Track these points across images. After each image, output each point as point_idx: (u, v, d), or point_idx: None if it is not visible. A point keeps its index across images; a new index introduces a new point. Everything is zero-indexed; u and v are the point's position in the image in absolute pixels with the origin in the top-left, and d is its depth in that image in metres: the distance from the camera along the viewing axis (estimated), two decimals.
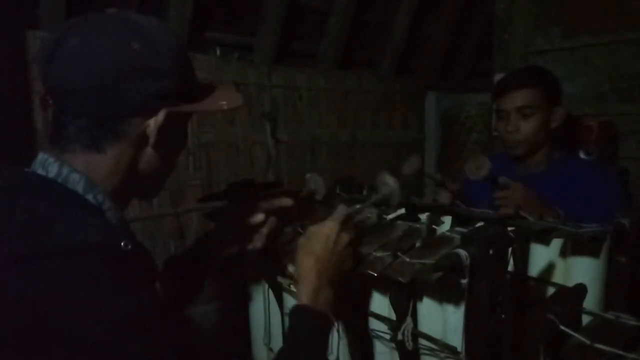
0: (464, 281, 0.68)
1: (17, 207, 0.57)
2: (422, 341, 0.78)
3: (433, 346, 0.76)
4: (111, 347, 0.52)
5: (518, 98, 1.32)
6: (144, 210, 1.90)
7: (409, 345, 0.77)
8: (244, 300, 1.16)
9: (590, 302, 0.77)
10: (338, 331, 0.76)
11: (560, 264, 0.88)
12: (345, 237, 0.78)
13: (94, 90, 0.62)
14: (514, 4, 2.23)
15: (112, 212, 0.66)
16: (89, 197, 0.64)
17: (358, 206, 0.89)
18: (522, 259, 0.80)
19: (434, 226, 0.92)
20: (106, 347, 0.52)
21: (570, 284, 0.77)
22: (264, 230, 0.95)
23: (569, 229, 0.83)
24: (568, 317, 0.64)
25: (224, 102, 0.75)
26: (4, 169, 0.64)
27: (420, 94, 3.08)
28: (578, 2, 2.08)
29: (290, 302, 1.00)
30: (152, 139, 0.67)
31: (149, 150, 0.69)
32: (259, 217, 0.93)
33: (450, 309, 0.75)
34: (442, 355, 0.75)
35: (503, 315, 0.70)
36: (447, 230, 0.88)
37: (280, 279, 1.00)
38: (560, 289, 0.78)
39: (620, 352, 0.59)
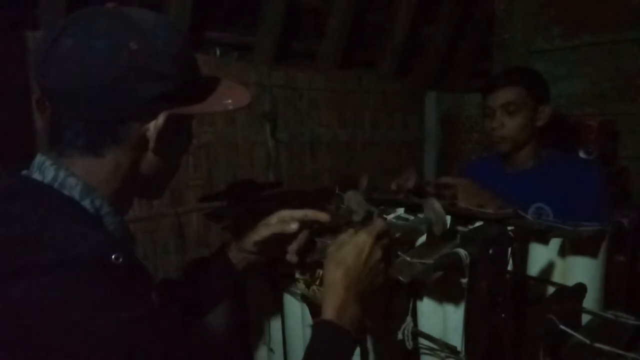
0: (464, 280, 0.68)
1: (8, 217, 0.56)
2: (422, 340, 0.79)
3: (433, 345, 0.76)
4: None
5: (503, 95, 1.36)
6: (144, 210, 1.90)
7: (409, 344, 0.77)
8: (244, 300, 1.16)
9: (590, 301, 0.77)
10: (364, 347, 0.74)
11: (559, 263, 0.88)
12: (379, 252, 0.74)
13: (91, 94, 0.59)
14: (514, 3, 2.23)
15: (111, 216, 0.64)
16: (86, 202, 0.62)
17: (394, 219, 0.86)
18: (522, 259, 0.80)
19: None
20: None
21: (570, 283, 0.77)
22: (298, 241, 0.88)
23: (568, 228, 0.83)
24: (568, 316, 0.64)
25: (230, 102, 0.70)
26: (0, 173, 0.62)
27: (420, 94, 3.09)
28: (578, 2, 2.08)
29: (290, 302, 1.01)
30: (152, 143, 0.65)
31: (149, 155, 0.66)
32: (293, 226, 0.85)
33: (450, 308, 0.75)
34: (442, 354, 0.75)
35: (503, 315, 0.70)
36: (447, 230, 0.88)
37: (281, 279, 1.00)
38: (560, 288, 0.79)
39: (620, 352, 0.59)
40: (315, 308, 0.93)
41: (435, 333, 0.77)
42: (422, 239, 0.88)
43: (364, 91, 2.74)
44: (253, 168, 2.27)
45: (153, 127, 0.64)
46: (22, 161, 0.66)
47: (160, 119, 0.64)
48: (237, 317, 1.18)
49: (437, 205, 0.83)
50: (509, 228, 0.75)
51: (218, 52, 2.18)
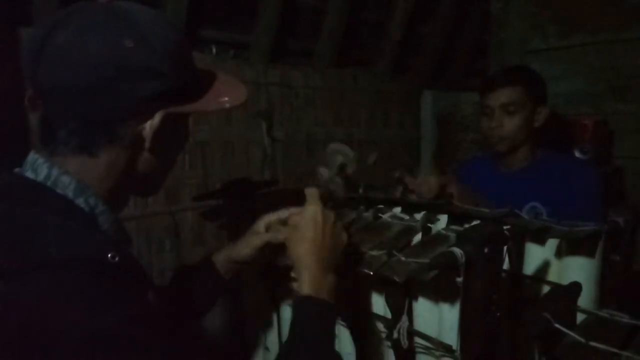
0: (460, 279, 0.68)
1: (1, 216, 0.55)
2: (418, 339, 0.78)
3: (428, 344, 0.76)
4: None
5: (503, 95, 1.35)
6: (139, 209, 1.89)
7: (405, 343, 0.77)
8: (240, 300, 1.15)
9: (585, 300, 0.78)
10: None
11: (555, 262, 0.89)
12: (331, 215, 0.75)
13: (84, 92, 0.58)
14: (510, 3, 2.24)
15: (106, 215, 0.63)
16: (80, 201, 0.60)
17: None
18: (517, 258, 0.80)
19: (429, 224, 0.92)
20: None
21: (565, 282, 0.77)
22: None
23: (564, 228, 0.83)
24: (563, 315, 0.64)
25: (226, 99, 0.69)
26: None
27: (417, 93, 3.09)
28: (573, 1, 2.09)
29: (286, 299, 1.00)
30: (148, 143, 0.64)
31: (145, 153, 0.65)
32: (282, 236, 0.84)
33: (445, 307, 0.75)
34: (438, 353, 0.75)
35: (498, 314, 0.70)
36: (443, 229, 0.88)
37: (276, 279, 0.99)
38: (555, 287, 0.79)
39: (615, 350, 0.59)
40: None
41: (431, 332, 0.77)
42: (418, 237, 0.88)
43: (360, 90, 2.74)
44: (249, 166, 2.26)
45: (149, 126, 0.63)
46: (16, 159, 0.66)
47: (157, 118, 0.62)
48: (233, 316, 1.18)
49: (342, 146, 0.86)
50: (505, 227, 0.75)
51: (214, 50, 2.17)
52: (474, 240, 0.68)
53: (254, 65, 2.25)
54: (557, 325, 0.62)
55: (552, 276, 0.88)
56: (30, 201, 0.58)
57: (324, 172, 1.09)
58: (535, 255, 0.89)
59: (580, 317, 0.73)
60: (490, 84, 1.39)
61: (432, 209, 0.96)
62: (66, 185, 0.60)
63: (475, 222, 0.84)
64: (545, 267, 0.89)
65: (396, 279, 0.71)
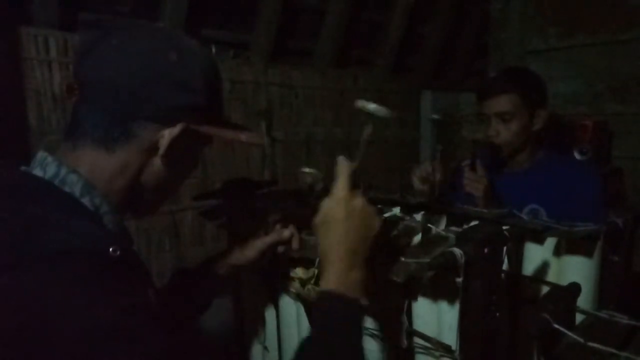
0: (459, 280, 0.68)
1: (7, 210, 0.56)
2: (417, 340, 0.79)
3: (428, 345, 0.76)
4: (95, 355, 0.51)
5: (498, 103, 1.33)
6: None
7: (404, 343, 0.77)
8: (239, 299, 1.15)
9: (584, 300, 0.78)
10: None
11: (554, 263, 0.89)
12: (359, 200, 0.68)
13: (120, 88, 0.62)
14: (510, 3, 2.24)
15: (110, 216, 0.65)
16: (85, 200, 0.62)
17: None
18: (517, 258, 0.80)
19: (429, 225, 0.92)
20: (90, 355, 0.50)
21: (564, 282, 0.77)
22: (295, 239, 0.91)
23: (563, 228, 0.83)
24: (562, 315, 0.64)
25: (244, 136, 0.75)
26: (1, 169, 0.63)
27: (416, 93, 3.09)
28: (573, 2, 2.09)
29: (285, 301, 1.00)
30: (162, 150, 0.66)
31: (156, 162, 0.67)
32: (287, 233, 0.89)
33: (445, 307, 0.75)
34: (437, 353, 0.75)
35: (497, 314, 0.70)
36: (442, 229, 0.88)
37: (276, 279, 0.99)
38: (554, 287, 0.79)
39: (614, 351, 0.60)
40: (310, 307, 0.93)
41: (430, 332, 0.77)
42: (418, 238, 0.88)
43: (360, 90, 2.74)
44: (249, 166, 2.26)
45: (168, 134, 0.65)
46: (15, 157, 0.66)
47: (177, 128, 0.65)
48: (232, 315, 1.18)
49: (368, 104, 0.82)
50: (504, 228, 0.76)
51: (214, 49, 2.18)
52: (473, 240, 0.68)
53: (254, 65, 2.25)
54: (556, 326, 0.62)
55: (552, 277, 0.88)
56: (36, 198, 0.59)
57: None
58: (534, 255, 0.89)
59: (579, 318, 0.73)
60: (485, 92, 1.37)
61: (432, 210, 0.97)
62: (74, 183, 0.62)
63: (474, 223, 0.85)
64: (544, 267, 0.89)
65: (396, 279, 0.71)
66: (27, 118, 1.62)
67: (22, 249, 0.52)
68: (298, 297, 0.95)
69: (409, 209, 0.98)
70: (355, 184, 0.70)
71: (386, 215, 0.96)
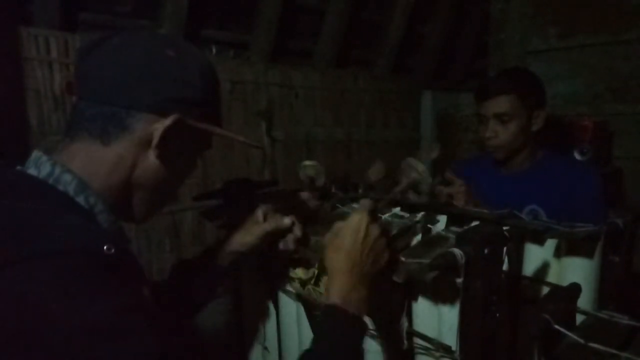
0: (459, 280, 0.68)
1: (0, 209, 0.56)
2: (417, 340, 0.79)
3: (428, 345, 0.76)
4: (89, 353, 0.51)
5: (495, 105, 1.33)
6: None
7: (404, 344, 0.77)
8: (239, 299, 1.15)
9: (584, 301, 0.78)
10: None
11: (554, 263, 0.89)
12: (376, 230, 0.73)
13: (118, 82, 0.64)
14: (510, 4, 2.24)
15: (105, 214, 0.65)
16: (80, 199, 0.63)
17: (389, 217, 0.87)
18: (517, 259, 0.80)
19: (429, 225, 0.92)
20: (84, 353, 0.50)
21: (565, 283, 0.77)
22: (294, 232, 0.91)
23: (564, 229, 0.83)
24: (562, 316, 0.64)
25: (242, 136, 0.79)
26: None
27: (416, 93, 3.09)
28: (573, 3, 2.09)
29: (285, 301, 1.00)
30: (155, 141, 0.66)
31: (150, 156, 0.67)
32: (287, 221, 0.89)
33: (445, 308, 0.75)
34: (437, 354, 0.75)
35: (498, 314, 0.70)
36: (443, 230, 0.88)
37: (276, 278, 0.99)
38: (555, 288, 0.79)
39: (614, 351, 0.60)
40: (310, 307, 0.93)
41: (430, 333, 0.77)
42: (418, 238, 0.88)
43: (360, 90, 2.74)
44: (249, 166, 2.26)
45: (160, 126, 0.66)
46: (15, 158, 0.66)
47: (170, 119, 0.66)
48: (232, 316, 1.18)
49: (417, 163, 0.84)
50: (505, 228, 0.76)
51: (214, 50, 2.18)
52: (473, 241, 0.68)
53: (254, 65, 2.26)
54: (556, 326, 0.62)
55: (552, 277, 0.88)
56: (30, 197, 0.59)
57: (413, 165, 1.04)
58: (534, 256, 0.89)
59: (579, 318, 0.73)
60: (483, 93, 1.36)
61: (432, 210, 0.97)
62: (68, 183, 0.62)
63: (475, 223, 0.85)
64: (544, 268, 0.89)
65: (396, 279, 0.71)
66: (27, 118, 1.62)
67: (15, 247, 0.52)
68: (298, 298, 0.95)
69: (409, 209, 0.98)
70: (374, 217, 0.74)
71: (387, 215, 0.96)
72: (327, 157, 2.61)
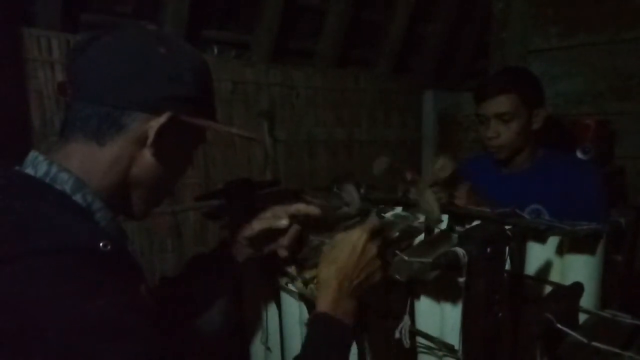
0: (462, 279, 0.68)
1: None
2: (420, 339, 0.79)
3: (430, 344, 0.76)
4: (85, 350, 0.51)
5: (496, 105, 1.32)
6: None
7: (407, 343, 0.77)
8: (241, 299, 1.15)
9: (587, 300, 0.78)
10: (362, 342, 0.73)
11: (557, 262, 0.88)
12: (373, 249, 0.75)
13: (111, 80, 0.64)
14: (511, 3, 2.24)
15: (103, 212, 0.65)
16: (77, 197, 0.63)
17: (391, 217, 0.87)
18: (519, 258, 0.80)
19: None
20: (81, 350, 0.50)
21: (567, 282, 0.77)
22: (288, 236, 0.92)
23: (566, 227, 0.83)
24: (565, 315, 0.64)
25: (235, 128, 0.81)
26: None
27: (418, 93, 3.09)
28: (575, 1, 2.08)
29: (288, 301, 1.00)
30: (150, 139, 0.66)
31: (146, 154, 0.68)
32: (284, 222, 0.89)
33: (447, 307, 0.75)
34: (440, 353, 0.75)
35: (500, 314, 0.70)
36: (445, 229, 0.88)
37: (278, 278, 0.99)
38: (557, 287, 0.79)
39: (617, 351, 0.59)
40: (313, 307, 0.93)
41: (433, 332, 0.77)
42: (420, 237, 0.88)
43: (362, 90, 2.74)
44: (250, 166, 2.26)
45: (156, 123, 0.66)
46: (17, 158, 0.67)
47: (164, 116, 0.66)
48: (235, 315, 1.18)
49: (431, 196, 0.84)
50: (507, 227, 0.76)
51: (215, 50, 2.18)
52: (476, 240, 0.68)
53: (255, 65, 2.26)
54: (559, 326, 0.62)
55: (554, 276, 0.88)
56: (27, 195, 0.60)
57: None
58: (537, 255, 0.89)
59: (582, 317, 0.73)
60: (483, 93, 1.35)
61: None
62: (65, 181, 0.63)
63: (477, 222, 0.84)
64: (547, 267, 0.89)
65: (399, 278, 0.71)
66: (29, 119, 1.62)
67: (13, 244, 0.52)
68: (301, 297, 0.95)
69: (410, 209, 0.98)
70: (376, 235, 0.76)
71: (389, 214, 0.96)
72: (328, 157, 2.61)
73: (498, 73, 1.47)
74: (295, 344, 1.00)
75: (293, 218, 0.90)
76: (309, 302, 0.92)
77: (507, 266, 0.75)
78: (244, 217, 0.93)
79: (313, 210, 0.90)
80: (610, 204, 1.29)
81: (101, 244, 0.56)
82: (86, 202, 0.64)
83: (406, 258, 0.76)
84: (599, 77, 2.06)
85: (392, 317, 0.79)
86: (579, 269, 0.84)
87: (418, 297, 0.79)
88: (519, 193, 1.33)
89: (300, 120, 2.47)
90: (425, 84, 3.10)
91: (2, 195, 0.58)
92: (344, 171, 2.61)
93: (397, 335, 0.78)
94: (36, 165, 0.63)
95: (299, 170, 2.46)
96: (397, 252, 0.78)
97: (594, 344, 0.61)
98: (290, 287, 0.96)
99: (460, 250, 0.67)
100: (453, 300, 0.74)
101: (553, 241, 0.88)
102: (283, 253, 0.92)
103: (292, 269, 0.94)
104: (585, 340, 0.61)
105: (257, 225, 0.90)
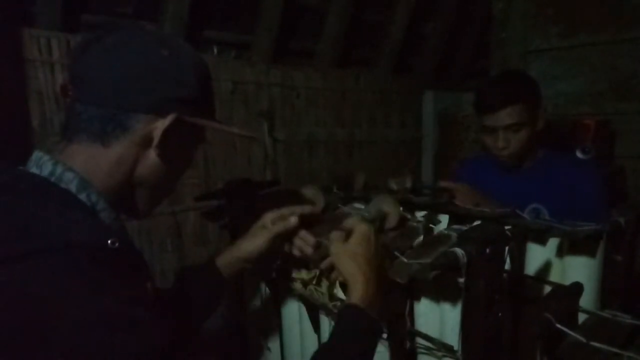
0: (461, 280, 0.68)
1: (3, 205, 0.57)
2: (419, 340, 0.79)
3: (430, 345, 0.76)
4: (95, 346, 0.51)
5: (505, 117, 1.30)
6: None
7: (407, 344, 0.77)
8: (241, 299, 1.15)
9: (587, 300, 0.78)
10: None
11: (556, 262, 0.88)
12: (380, 238, 0.78)
13: (114, 82, 0.64)
14: (511, 3, 2.24)
15: (107, 212, 0.66)
16: (82, 196, 0.63)
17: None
18: (519, 258, 0.80)
19: (431, 225, 0.92)
20: (90, 346, 0.51)
21: (567, 282, 0.77)
22: (300, 235, 0.90)
23: (566, 227, 0.83)
24: (564, 315, 0.64)
25: (236, 128, 0.83)
26: None
27: (418, 93, 3.09)
28: (575, 2, 2.08)
29: (287, 301, 1.00)
30: (156, 141, 0.67)
31: (151, 154, 0.68)
32: (293, 220, 0.89)
33: (447, 307, 0.75)
34: (439, 353, 0.75)
35: (500, 314, 0.70)
36: (444, 229, 0.88)
37: (278, 279, 0.99)
38: (557, 287, 0.79)
39: (616, 350, 0.60)
40: (311, 307, 0.93)
41: (433, 332, 0.77)
42: (420, 238, 0.88)
43: (362, 90, 2.74)
44: (250, 167, 2.27)
45: (161, 125, 0.67)
46: (17, 159, 0.67)
47: (169, 119, 0.67)
48: (234, 315, 1.18)
49: (389, 198, 0.88)
50: (507, 227, 0.75)
51: (215, 50, 2.18)
52: (475, 240, 0.68)
53: (255, 65, 2.26)
54: (558, 326, 0.62)
55: (554, 276, 0.88)
56: (32, 193, 0.60)
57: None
58: (536, 255, 0.89)
59: (582, 317, 0.73)
60: (489, 105, 1.31)
61: (434, 209, 0.97)
62: (70, 181, 0.63)
63: (476, 223, 0.84)
64: (546, 267, 0.89)
65: (398, 279, 0.71)
66: (29, 119, 1.62)
67: (21, 242, 0.53)
68: (300, 298, 0.95)
69: (411, 208, 0.98)
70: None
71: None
72: (328, 157, 2.61)
73: (498, 82, 1.42)
74: (294, 344, 1.00)
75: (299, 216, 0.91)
76: (308, 303, 0.92)
77: (507, 266, 0.75)
78: (243, 217, 0.93)
79: (307, 209, 0.92)
80: (611, 203, 1.29)
81: (109, 241, 0.56)
82: (91, 202, 0.64)
83: (405, 260, 0.76)
84: (599, 77, 2.06)
85: (392, 318, 0.79)
86: (578, 269, 0.84)
87: (418, 298, 0.79)
88: (519, 193, 1.33)
89: (301, 120, 2.47)
90: (425, 84, 3.10)
91: (8, 194, 0.58)
92: (344, 172, 2.62)
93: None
94: (41, 165, 0.63)
95: (298, 170, 2.46)
96: (397, 254, 0.79)
97: (594, 343, 0.61)
98: (290, 287, 0.96)
99: (459, 251, 0.67)
100: (453, 301, 0.74)
101: (553, 241, 0.88)
102: (309, 250, 0.89)
103: (294, 271, 0.94)
104: (584, 340, 0.61)
105: (267, 234, 0.88)
